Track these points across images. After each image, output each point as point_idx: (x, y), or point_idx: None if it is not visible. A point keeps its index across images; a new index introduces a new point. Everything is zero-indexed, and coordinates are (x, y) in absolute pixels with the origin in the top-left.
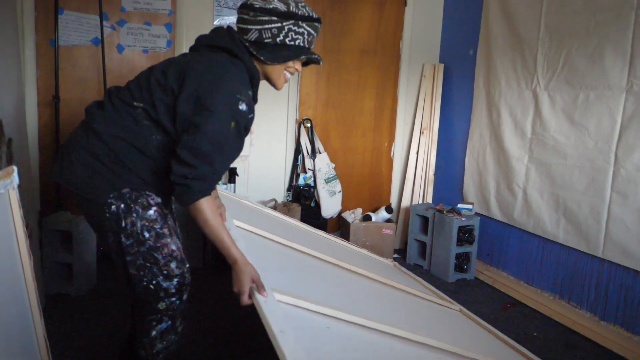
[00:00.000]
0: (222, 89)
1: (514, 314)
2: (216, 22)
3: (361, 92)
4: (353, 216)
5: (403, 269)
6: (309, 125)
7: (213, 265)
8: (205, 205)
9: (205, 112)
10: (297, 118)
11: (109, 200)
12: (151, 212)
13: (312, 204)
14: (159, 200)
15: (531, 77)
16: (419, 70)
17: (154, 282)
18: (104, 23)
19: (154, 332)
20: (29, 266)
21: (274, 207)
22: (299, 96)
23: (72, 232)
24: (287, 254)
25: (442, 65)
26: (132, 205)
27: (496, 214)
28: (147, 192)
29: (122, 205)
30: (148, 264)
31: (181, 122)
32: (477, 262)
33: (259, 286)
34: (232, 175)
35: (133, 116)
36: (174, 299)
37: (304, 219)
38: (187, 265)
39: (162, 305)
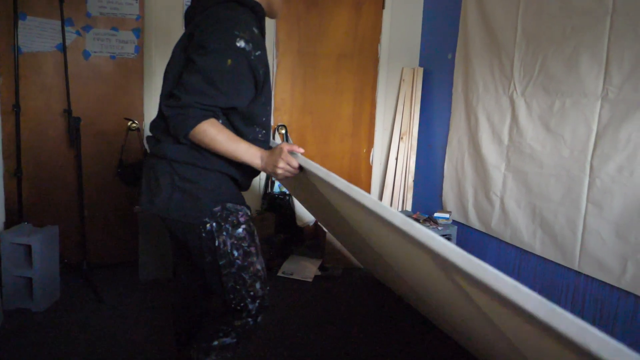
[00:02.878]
0: (219, 26)
1: None
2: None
3: (339, 96)
4: None
5: None
6: (283, 131)
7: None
8: (205, 125)
9: (200, 50)
10: (272, 125)
11: (205, 219)
12: (240, 230)
13: (289, 212)
14: (248, 215)
15: (508, 83)
16: (398, 74)
17: (241, 304)
18: (70, 29)
19: (215, 342)
20: None
21: None
22: (273, 102)
23: (32, 245)
24: None
25: (421, 69)
26: (223, 224)
27: (474, 222)
28: (237, 207)
29: (215, 224)
30: (237, 286)
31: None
32: None
33: (292, 148)
34: None
35: None
36: (250, 319)
37: (279, 228)
38: (268, 287)
39: (237, 322)
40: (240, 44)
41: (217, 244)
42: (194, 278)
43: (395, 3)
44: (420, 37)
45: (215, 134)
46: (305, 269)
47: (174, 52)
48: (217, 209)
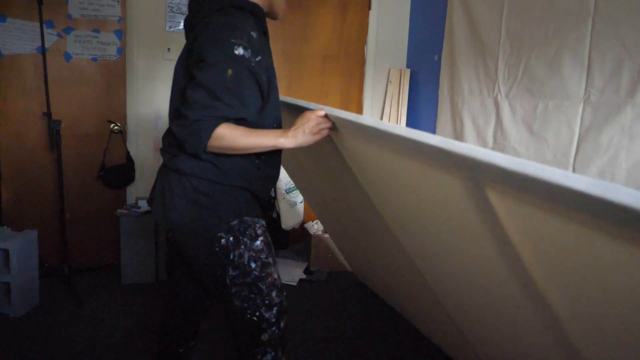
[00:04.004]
0: (215, 36)
1: None
2: (169, 28)
3: (324, 98)
4: (316, 227)
5: None
6: None
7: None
8: (219, 131)
9: (199, 64)
10: None
11: (219, 234)
12: (258, 242)
13: (275, 215)
14: (264, 227)
15: (492, 84)
16: (385, 75)
17: (257, 313)
18: (51, 31)
19: None
20: None
21: None
22: None
23: (9, 249)
24: None
25: (408, 71)
26: (241, 238)
27: None
28: (254, 220)
29: (232, 239)
30: (252, 295)
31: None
32: None
33: (314, 110)
34: None
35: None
36: (274, 328)
37: None
38: (285, 293)
39: (265, 337)
40: (239, 51)
41: (232, 257)
42: (193, 285)
43: (382, 4)
44: (407, 38)
45: (231, 134)
46: (289, 272)
47: (176, 69)
48: (234, 222)
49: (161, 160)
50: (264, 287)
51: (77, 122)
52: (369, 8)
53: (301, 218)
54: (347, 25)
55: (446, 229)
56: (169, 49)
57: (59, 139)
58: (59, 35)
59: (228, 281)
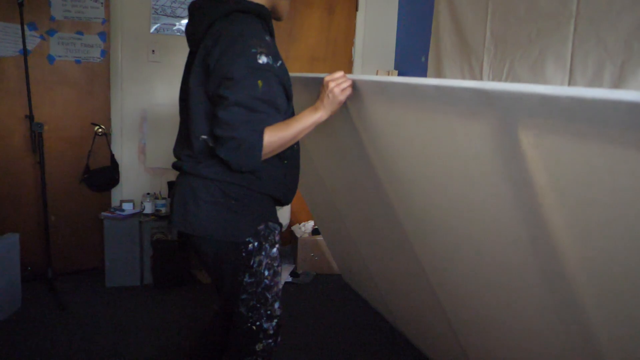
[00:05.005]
0: (234, 49)
1: None
2: (153, 30)
3: None
4: (303, 229)
5: None
6: None
7: (153, 283)
8: (266, 139)
9: (226, 82)
10: None
11: (248, 239)
12: (275, 250)
13: None
14: (280, 233)
15: None
16: None
17: (257, 323)
18: (33, 33)
19: None
20: None
21: None
22: None
23: None
24: None
25: (396, 72)
26: (264, 243)
27: None
28: (275, 226)
29: (256, 244)
30: (258, 305)
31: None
32: None
33: (331, 74)
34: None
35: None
36: (270, 340)
37: None
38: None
39: (259, 347)
40: (262, 60)
41: (252, 263)
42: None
43: (370, 5)
44: (395, 40)
45: (276, 136)
46: None
47: (189, 85)
48: (261, 227)
49: (146, 164)
50: (269, 296)
51: (60, 124)
52: (357, 9)
53: (288, 220)
54: (334, 26)
55: (467, 188)
56: (153, 50)
57: (42, 141)
58: (42, 37)
59: (242, 287)
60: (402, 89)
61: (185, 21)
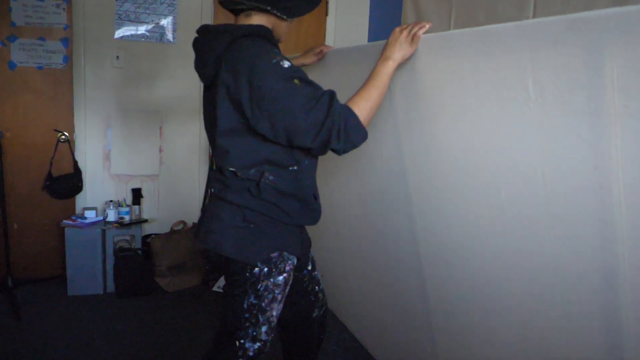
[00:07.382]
0: (255, 70)
1: None
2: (117, 36)
3: None
4: None
5: None
6: None
7: (115, 292)
8: (355, 110)
9: (268, 100)
10: None
11: (257, 263)
12: (281, 278)
13: None
14: (294, 265)
15: None
16: None
17: (241, 340)
18: None
19: None
20: None
21: (183, 230)
22: None
23: None
24: None
25: None
26: (274, 270)
27: None
28: (290, 257)
29: (266, 269)
30: (247, 323)
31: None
32: None
33: (401, 26)
34: (137, 197)
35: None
36: None
37: None
38: (272, 335)
39: None
40: (284, 64)
41: (259, 286)
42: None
43: (340, 10)
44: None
45: (362, 102)
46: None
47: (216, 122)
48: (274, 254)
49: (111, 171)
50: (261, 318)
51: (22, 131)
52: (326, 14)
53: None
54: (302, 32)
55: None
56: (117, 56)
57: (1, 148)
58: (2, 43)
59: (245, 306)
60: (479, 35)
61: (149, 26)
